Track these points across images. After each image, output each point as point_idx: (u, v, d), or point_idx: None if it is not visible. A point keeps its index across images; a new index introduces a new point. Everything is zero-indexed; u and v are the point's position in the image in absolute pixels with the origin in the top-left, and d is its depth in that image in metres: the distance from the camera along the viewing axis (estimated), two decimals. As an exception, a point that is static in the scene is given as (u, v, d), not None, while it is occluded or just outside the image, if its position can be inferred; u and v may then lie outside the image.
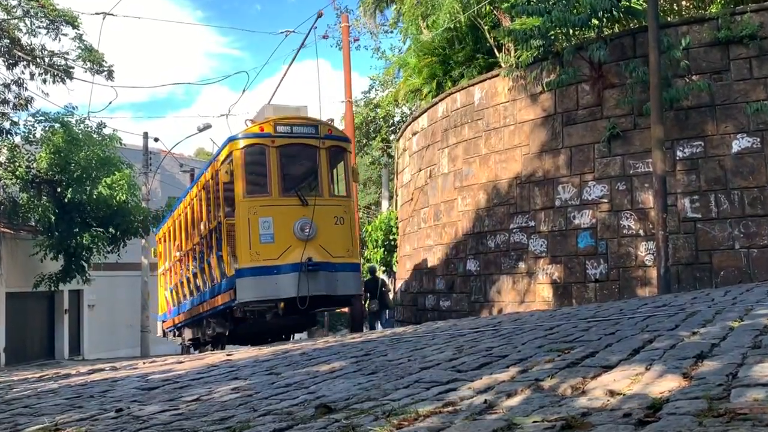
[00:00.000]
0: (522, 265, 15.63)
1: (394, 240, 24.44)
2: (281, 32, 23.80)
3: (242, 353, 9.63)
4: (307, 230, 13.37)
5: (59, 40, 24.80)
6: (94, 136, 24.53)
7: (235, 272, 13.46)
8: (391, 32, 32.29)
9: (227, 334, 15.20)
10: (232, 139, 14.10)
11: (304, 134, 14.13)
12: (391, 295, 22.82)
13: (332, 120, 16.06)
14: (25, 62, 24.57)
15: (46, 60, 25.09)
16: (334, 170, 14.77)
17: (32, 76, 24.80)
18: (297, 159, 14.53)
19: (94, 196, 22.68)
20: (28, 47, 24.61)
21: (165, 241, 21.59)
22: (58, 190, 23.10)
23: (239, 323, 14.40)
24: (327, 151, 14.24)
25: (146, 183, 30.90)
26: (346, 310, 22.47)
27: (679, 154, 13.61)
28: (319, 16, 21.11)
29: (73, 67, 25.43)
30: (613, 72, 14.56)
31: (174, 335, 21.49)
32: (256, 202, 13.65)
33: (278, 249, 13.32)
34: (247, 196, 13.65)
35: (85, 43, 25.12)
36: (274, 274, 13.24)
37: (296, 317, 14.00)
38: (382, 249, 25.09)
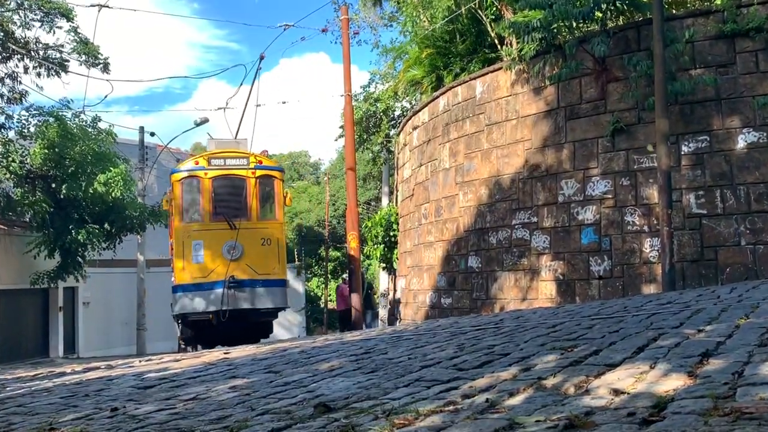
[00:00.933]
0: (524, 262, 15.63)
1: (395, 236, 24.43)
2: (279, 26, 23.84)
3: (240, 351, 9.63)
4: (233, 251, 15.60)
5: (53, 32, 24.74)
6: (90, 130, 24.43)
7: (172, 288, 16.18)
8: (391, 26, 32.24)
9: (192, 336, 17.10)
10: (173, 172, 16.87)
11: (236, 166, 16.39)
12: (396, 294, 22.85)
13: (266, 152, 18.06)
14: (19, 55, 24.53)
15: (41, 53, 25.05)
16: (265, 196, 16.76)
17: (26, 69, 24.76)
18: (228, 188, 16.52)
19: (90, 192, 22.64)
20: (22, 40, 24.57)
21: None
22: (53, 185, 23.06)
23: (195, 329, 16.55)
24: (256, 180, 16.39)
25: (142, 178, 30.86)
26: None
27: (684, 148, 13.60)
28: (261, 58, 23.91)
29: (68, 61, 25.38)
30: (617, 65, 14.54)
31: None
32: (189, 227, 16.15)
33: (208, 268, 15.64)
34: (182, 222, 16.22)
35: (80, 35, 25.06)
36: (204, 290, 15.54)
37: (245, 325, 15.97)
38: (382, 245, 25.08)
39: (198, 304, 15.65)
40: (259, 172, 16.51)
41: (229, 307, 15.32)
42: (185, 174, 16.32)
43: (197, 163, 16.50)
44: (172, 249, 17.10)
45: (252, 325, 16.36)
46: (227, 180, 16.36)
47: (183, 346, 19.07)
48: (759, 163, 12.95)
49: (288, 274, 17.50)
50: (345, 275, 21.36)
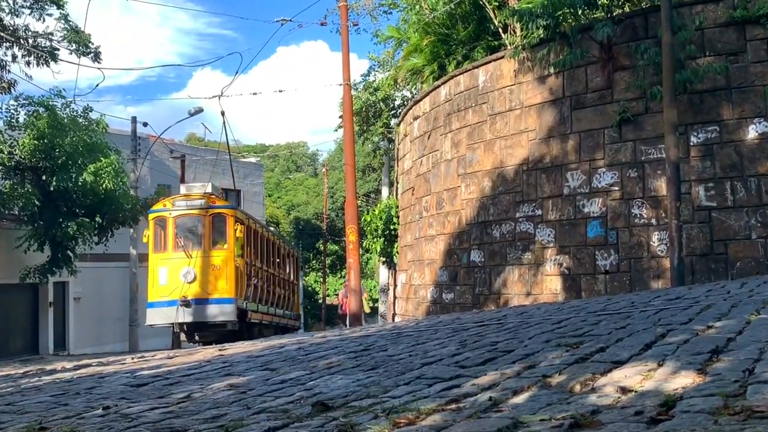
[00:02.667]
0: (528, 256, 15.63)
1: (395, 230, 24.43)
2: (277, 21, 23.88)
3: (236, 348, 9.64)
4: (188, 275, 19.79)
5: (43, 20, 24.67)
6: (81, 120, 24.42)
7: (146, 305, 21.01)
8: (391, 13, 32.15)
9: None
10: (149, 212, 21.67)
11: (194, 206, 20.65)
12: (398, 290, 22.92)
13: (220, 193, 23.72)
14: (7, 43, 24.46)
15: (30, 41, 24.99)
16: (217, 230, 20.75)
17: (15, 57, 24.64)
18: (187, 224, 20.70)
19: (80, 184, 22.63)
20: (10, 27, 24.50)
21: None
22: (43, 177, 23.05)
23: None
24: (210, 217, 20.60)
25: (134, 170, 30.86)
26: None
27: (694, 139, 13.58)
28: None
29: (58, 49, 25.29)
30: (624, 53, 14.52)
31: None
32: (158, 256, 20.69)
33: (170, 289, 19.86)
34: (153, 252, 20.84)
35: (70, 23, 25.00)
36: (164, 307, 19.89)
37: (207, 333, 20.89)
38: (382, 239, 25.07)
39: (160, 318, 20.26)
40: (212, 211, 20.69)
41: (181, 320, 19.86)
42: (156, 214, 21.08)
43: (165, 206, 21.12)
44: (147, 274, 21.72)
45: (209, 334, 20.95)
46: (186, 218, 20.70)
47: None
48: (770, 154, 12.94)
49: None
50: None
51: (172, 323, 20.39)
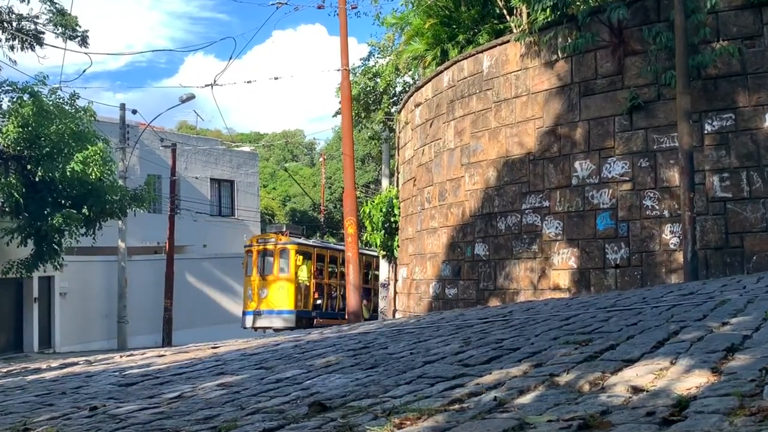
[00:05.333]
0: (535, 249, 15.63)
1: (395, 222, 24.45)
2: (272, 3, 23.82)
3: (229, 346, 9.65)
4: (264, 293, 28.03)
5: (28, 2, 24.67)
6: (67, 108, 24.38)
7: (243, 312, 29.38)
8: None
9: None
10: (245, 246, 30.36)
11: (269, 242, 28.87)
12: (398, 285, 23.01)
13: (286, 232, 30.15)
14: (-11, 27, 24.45)
15: (14, 24, 24.97)
16: (282, 261, 28.41)
17: (-2, 41, 24.68)
18: (263, 256, 28.78)
19: (67, 174, 22.61)
20: (-8, 10, 24.49)
21: None
22: (28, 167, 23.03)
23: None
24: (277, 251, 28.43)
25: (123, 159, 30.86)
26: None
27: (708, 127, 13.57)
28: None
29: (44, 32, 25.31)
30: (635, 37, 14.49)
31: None
32: (248, 279, 28.90)
33: (254, 303, 28.15)
34: (246, 276, 29.14)
35: (56, 5, 24.98)
36: (249, 316, 28.15)
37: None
38: (382, 232, 25.10)
39: (248, 323, 28.16)
40: (279, 246, 28.41)
41: (257, 325, 27.68)
42: (247, 248, 29.62)
43: (251, 242, 29.80)
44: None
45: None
46: (264, 252, 28.82)
47: None
48: (788, 143, 12.93)
49: None
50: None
51: (250, 327, 28.06)
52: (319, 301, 30.18)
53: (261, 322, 27.89)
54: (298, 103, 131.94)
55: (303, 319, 28.21)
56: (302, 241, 31.21)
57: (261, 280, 28.53)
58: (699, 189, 13.11)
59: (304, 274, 29.09)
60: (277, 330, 26.51)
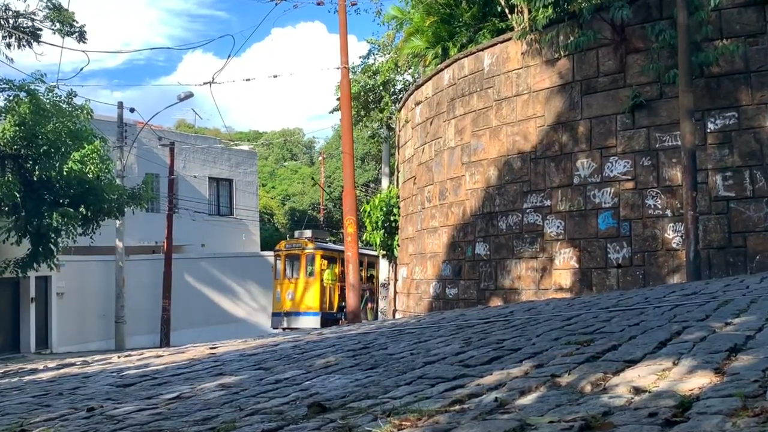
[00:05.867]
0: (536, 249, 15.63)
1: (395, 221, 24.44)
2: (271, 0, 23.86)
3: (228, 346, 9.65)
4: (290, 295, 30.32)
5: (24, -1, 24.63)
6: (64, 106, 24.35)
7: (272, 314, 32.08)
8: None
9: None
10: (275, 251, 32.71)
11: (295, 248, 31.04)
12: (398, 285, 23.03)
13: (312, 238, 31.94)
14: (-15, 24, 24.41)
15: (10, 21, 24.94)
16: (308, 265, 30.48)
17: (-6, 39, 24.64)
18: (291, 261, 31.05)
19: (65, 172, 22.59)
20: (-12, 8, 24.45)
21: None
22: (25, 165, 23.00)
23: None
24: (304, 255, 30.60)
25: (121, 158, 30.85)
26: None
27: (711, 126, 13.57)
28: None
29: (41, 29, 25.26)
30: (637, 35, 14.49)
31: None
32: (277, 281, 31.25)
33: (282, 304, 30.47)
34: (275, 279, 31.71)
35: (53, 1, 24.95)
36: (278, 317, 30.38)
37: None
38: (382, 231, 25.09)
39: (276, 323, 30.36)
40: (306, 251, 30.59)
41: (285, 326, 29.01)
42: (276, 253, 32.00)
43: (280, 247, 31.93)
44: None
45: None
46: (291, 257, 31.06)
47: None
48: (792, 142, 12.93)
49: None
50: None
51: (280, 327, 29.31)
52: (343, 303, 30.18)
53: (289, 323, 29.55)
54: (298, 101, 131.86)
55: (328, 321, 29.08)
56: (327, 245, 32.85)
57: (289, 283, 30.76)
58: (702, 188, 13.11)
59: (328, 278, 30.94)
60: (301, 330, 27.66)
